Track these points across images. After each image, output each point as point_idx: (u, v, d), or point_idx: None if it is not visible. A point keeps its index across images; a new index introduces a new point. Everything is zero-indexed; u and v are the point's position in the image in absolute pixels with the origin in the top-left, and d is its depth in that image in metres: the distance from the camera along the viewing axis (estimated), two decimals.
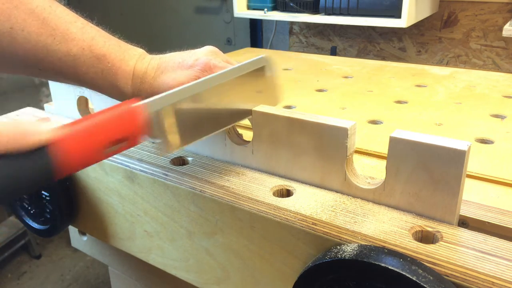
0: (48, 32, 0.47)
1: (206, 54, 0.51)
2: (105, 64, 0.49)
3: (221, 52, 0.54)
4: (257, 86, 0.50)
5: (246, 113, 0.50)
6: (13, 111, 0.78)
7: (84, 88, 0.66)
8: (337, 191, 0.48)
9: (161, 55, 0.53)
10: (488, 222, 0.42)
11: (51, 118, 0.73)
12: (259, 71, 0.49)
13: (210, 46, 0.53)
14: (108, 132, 0.35)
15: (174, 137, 0.42)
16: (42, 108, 0.78)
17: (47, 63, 0.48)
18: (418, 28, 1.62)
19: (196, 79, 0.49)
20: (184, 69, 0.50)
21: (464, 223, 0.43)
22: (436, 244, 0.39)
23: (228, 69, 0.48)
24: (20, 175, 0.31)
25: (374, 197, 0.45)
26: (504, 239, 0.39)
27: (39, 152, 0.31)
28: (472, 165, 0.54)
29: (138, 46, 0.54)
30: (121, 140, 0.37)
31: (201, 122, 0.46)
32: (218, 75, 0.46)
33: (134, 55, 0.51)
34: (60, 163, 0.32)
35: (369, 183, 0.46)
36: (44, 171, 0.32)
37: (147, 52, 0.54)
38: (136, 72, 0.50)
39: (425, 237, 0.41)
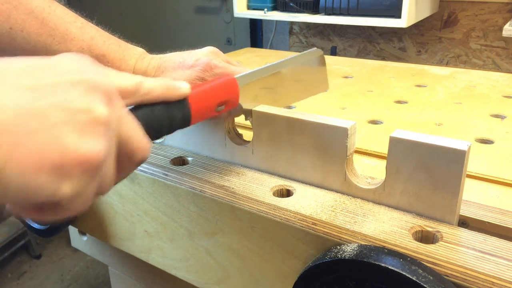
0: (48, 32, 0.47)
1: (207, 54, 0.51)
2: (104, 63, 0.49)
3: (221, 53, 0.54)
4: (312, 73, 0.59)
5: (304, 94, 0.60)
6: None
7: None
8: (337, 191, 0.48)
9: (161, 55, 0.53)
10: (488, 222, 0.42)
11: None
12: (314, 61, 0.59)
13: (211, 47, 0.53)
14: (218, 94, 0.46)
15: (252, 105, 0.52)
16: None
17: None
18: (418, 28, 1.62)
19: (196, 79, 0.49)
20: (185, 69, 0.50)
21: (464, 223, 0.43)
22: (436, 244, 0.39)
23: (289, 57, 0.55)
24: (172, 117, 0.40)
25: (374, 197, 0.45)
26: (504, 239, 0.39)
27: (183, 102, 0.41)
28: (472, 165, 0.54)
29: (138, 46, 0.54)
30: (226, 102, 0.47)
31: (271, 97, 0.55)
32: (282, 61, 0.54)
33: (134, 54, 0.52)
34: (193, 113, 0.42)
35: (369, 183, 0.46)
36: (186, 116, 0.42)
37: (147, 51, 0.54)
38: (136, 71, 0.51)
39: (425, 237, 0.41)
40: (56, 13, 0.48)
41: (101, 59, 0.49)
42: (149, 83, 0.37)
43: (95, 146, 0.27)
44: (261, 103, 0.52)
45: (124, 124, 0.31)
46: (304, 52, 0.57)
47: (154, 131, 0.39)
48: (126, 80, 0.35)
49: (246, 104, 0.50)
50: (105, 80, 0.30)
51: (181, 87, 0.41)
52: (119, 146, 0.31)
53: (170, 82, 0.40)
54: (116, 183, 0.33)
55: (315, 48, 0.58)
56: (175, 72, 0.50)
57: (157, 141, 0.62)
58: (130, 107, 0.37)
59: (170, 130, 0.41)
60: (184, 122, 0.42)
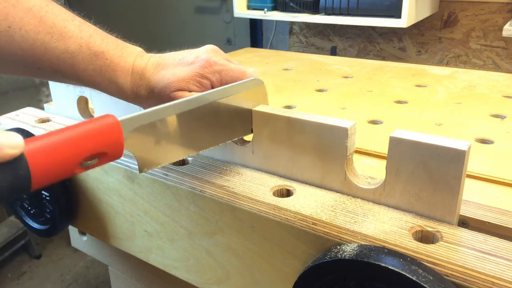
0: (46, 30, 0.48)
1: (207, 52, 0.52)
2: (103, 60, 0.49)
3: (221, 51, 0.54)
4: (247, 109, 0.49)
5: (238, 134, 0.49)
6: (13, 111, 0.78)
7: (84, 88, 0.66)
8: (337, 191, 0.48)
9: (160, 54, 0.53)
10: (488, 222, 0.42)
11: (51, 117, 0.73)
12: (251, 94, 0.49)
13: (211, 45, 0.53)
14: (83, 146, 0.34)
15: (150, 156, 0.41)
16: (42, 108, 0.78)
17: (45, 61, 0.48)
18: (418, 28, 1.62)
19: (196, 76, 0.49)
20: (184, 66, 0.50)
21: (464, 223, 0.43)
22: (436, 244, 0.39)
23: (219, 89, 0.48)
24: None
25: (374, 197, 0.45)
26: (504, 239, 0.39)
27: (14, 164, 0.31)
28: (472, 165, 0.54)
29: (136, 45, 0.54)
30: (100, 154, 0.36)
31: (186, 140, 0.45)
32: (205, 95, 0.45)
33: (132, 52, 0.52)
34: (35, 174, 0.32)
35: (369, 183, 0.46)
36: (20, 181, 0.31)
37: (147, 51, 0.54)
38: (135, 68, 0.51)
39: (425, 237, 0.41)
40: (54, 12, 0.49)
41: (100, 56, 0.49)
42: None
43: None
44: (164, 152, 0.42)
45: None
46: (239, 82, 0.48)
47: None
48: None
49: (140, 155, 0.41)
50: None
51: (6, 144, 0.31)
52: None
53: None
54: None
55: (254, 78, 0.49)
56: (174, 69, 0.50)
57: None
58: None
59: (4, 199, 0.31)
60: (19, 188, 0.31)
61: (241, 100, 0.48)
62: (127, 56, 0.51)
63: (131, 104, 0.55)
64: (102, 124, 0.35)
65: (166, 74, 0.50)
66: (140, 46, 0.55)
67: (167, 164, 0.42)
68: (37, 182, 0.32)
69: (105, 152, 0.36)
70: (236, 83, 0.48)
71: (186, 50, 0.53)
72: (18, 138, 0.31)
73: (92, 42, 0.49)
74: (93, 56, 0.49)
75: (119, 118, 0.37)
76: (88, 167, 0.36)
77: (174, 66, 0.51)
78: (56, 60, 0.48)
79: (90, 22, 0.52)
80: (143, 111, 0.40)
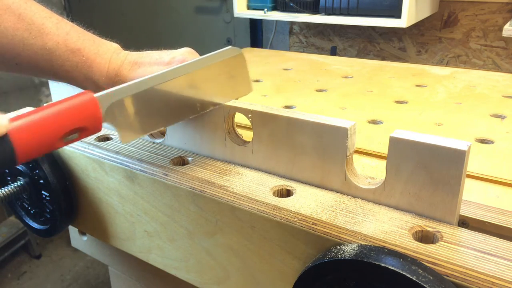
0: (24, 27, 0.49)
1: (183, 54, 0.53)
2: (79, 57, 0.51)
3: (197, 53, 0.55)
4: (224, 77, 0.50)
5: (214, 103, 0.50)
6: (13, 111, 0.78)
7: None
8: (337, 191, 0.48)
9: (137, 52, 0.55)
10: (488, 222, 0.42)
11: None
12: (227, 62, 0.49)
13: (187, 48, 0.55)
14: (64, 122, 0.37)
15: (129, 128, 0.43)
16: None
17: (23, 57, 0.50)
18: (418, 28, 1.62)
19: None
20: (160, 65, 0.52)
21: (464, 223, 0.43)
22: (436, 244, 0.39)
23: (191, 61, 0.48)
24: None
25: (374, 197, 0.45)
26: (504, 239, 0.39)
27: (1, 140, 0.34)
28: (472, 165, 0.54)
29: (113, 41, 0.55)
30: (80, 129, 0.38)
31: (163, 112, 0.46)
32: (182, 66, 0.46)
33: (109, 49, 0.53)
34: (19, 150, 0.35)
35: (369, 183, 0.46)
36: (6, 157, 0.34)
37: (147, 51, 0.54)
38: (112, 65, 0.52)
39: (425, 237, 0.41)
40: (32, 9, 0.50)
41: (76, 53, 0.51)
42: None
43: None
44: (145, 123, 0.44)
45: None
46: (216, 52, 0.48)
47: None
48: None
49: (121, 128, 0.43)
50: None
51: None
52: None
53: None
54: None
55: (231, 46, 0.50)
56: (151, 67, 0.52)
57: (157, 140, 0.62)
58: None
59: None
60: (5, 162, 0.35)
61: (217, 69, 0.48)
62: (104, 53, 0.52)
63: None
64: (80, 101, 0.38)
65: (143, 72, 0.51)
66: (140, 46, 0.55)
67: (147, 135, 0.44)
68: (22, 157, 0.35)
69: (84, 126, 0.38)
70: (213, 52, 0.48)
71: (163, 50, 0.54)
72: (3, 119, 0.34)
73: (69, 39, 0.51)
74: (70, 53, 0.51)
75: (96, 94, 0.40)
76: (69, 141, 0.38)
77: (151, 65, 0.52)
78: (34, 56, 0.50)
79: (87, 25, 0.53)
80: (119, 86, 0.42)
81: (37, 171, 0.64)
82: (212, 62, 0.48)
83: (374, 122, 0.70)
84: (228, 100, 0.51)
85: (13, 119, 0.35)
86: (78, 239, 0.86)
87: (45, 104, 0.37)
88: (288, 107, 0.77)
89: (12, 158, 0.35)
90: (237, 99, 0.52)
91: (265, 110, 0.50)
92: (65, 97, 0.38)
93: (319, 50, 1.89)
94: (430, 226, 0.41)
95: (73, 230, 0.86)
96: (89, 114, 0.39)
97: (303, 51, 1.91)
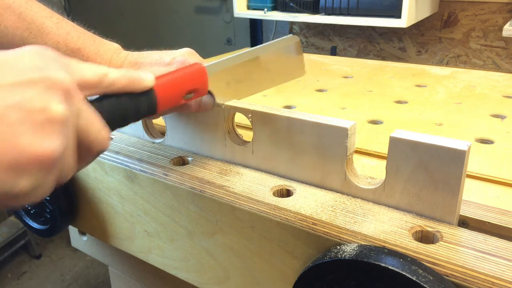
0: (25, 26, 0.49)
1: (183, 54, 0.53)
2: (79, 57, 0.51)
3: (197, 54, 0.56)
4: (289, 59, 0.59)
5: (280, 80, 0.58)
6: None
7: None
8: (337, 191, 0.48)
9: (138, 52, 0.55)
10: (488, 222, 0.42)
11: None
12: (290, 47, 0.58)
13: (188, 48, 0.55)
14: (186, 83, 0.46)
15: (225, 93, 0.53)
16: None
17: None
18: (418, 28, 1.62)
19: None
20: (161, 66, 0.52)
21: (464, 223, 0.43)
22: (436, 244, 0.39)
23: (265, 44, 0.55)
24: (138, 107, 0.41)
25: (374, 197, 0.45)
26: (504, 239, 0.39)
27: (148, 92, 0.42)
28: (472, 165, 0.54)
29: (114, 41, 0.55)
30: (194, 91, 0.48)
31: (248, 82, 0.55)
32: (258, 48, 0.54)
33: (109, 49, 0.53)
34: (160, 102, 0.43)
35: (369, 183, 0.46)
36: (151, 105, 0.43)
37: (147, 51, 0.55)
38: (112, 65, 0.52)
39: (425, 237, 0.41)
40: (32, 8, 0.50)
41: (77, 53, 0.51)
42: (113, 74, 0.38)
43: (50, 144, 0.29)
44: (233, 90, 0.53)
45: (82, 117, 0.33)
46: (280, 39, 0.57)
47: (120, 120, 0.41)
48: (89, 73, 0.36)
49: (217, 92, 0.51)
50: (64, 77, 0.31)
51: (146, 79, 0.41)
52: (78, 139, 0.33)
53: (135, 74, 0.41)
54: (77, 171, 0.36)
55: (291, 34, 0.58)
56: (151, 68, 0.52)
57: (157, 141, 0.62)
58: (95, 97, 0.39)
59: (136, 119, 0.43)
60: (150, 111, 0.43)
61: (282, 52, 0.57)
62: (104, 53, 0.52)
63: None
64: (195, 69, 0.47)
65: None
66: (140, 46, 0.55)
67: (240, 99, 0.54)
68: (160, 108, 0.44)
69: (197, 88, 0.48)
70: (277, 40, 0.57)
71: (163, 50, 0.54)
72: (151, 75, 0.42)
73: (69, 39, 0.51)
74: (70, 53, 0.51)
75: (205, 64, 0.49)
76: (188, 99, 0.47)
77: (151, 65, 0.52)
78: None
79: (87, 25, 0.53)
80: (219, 60, 0.51)
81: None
82: (279, 46, 0.56)
83: (374, 122, 0.70)
84: (288, 79, 0.59)
85: (156, 78, 0.43)
86: (78, 239, 0.86)
87: (167, 72, 0.46)
88: (288, 107, 0.77)
89: (154, 107, 0.43)
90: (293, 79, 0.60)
91: (265, 110, 0.50)
92: None
93: (319, 50, 1.89)
94: (430, 226, 0.41)
95: (73, 230, 0.86)
96: (201, 79, 0.48)
97: (303, 51, 1.90)
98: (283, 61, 0.58)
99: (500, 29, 1.40)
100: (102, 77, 0.37)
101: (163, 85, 0.44)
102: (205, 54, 0.59)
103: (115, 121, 0.40)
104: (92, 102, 0.38)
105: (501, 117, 0.71)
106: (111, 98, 0.39)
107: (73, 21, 0.53)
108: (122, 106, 0.40)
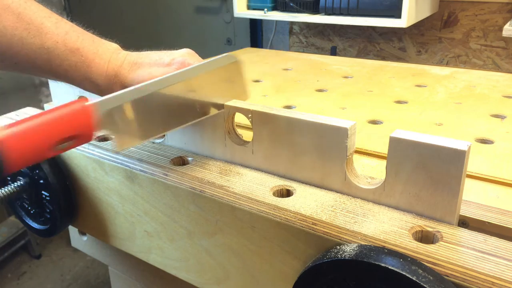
0: (23, 26, 0.49)
1: (183, 55, 0.53)
2: (78, 57, 0.51)
3: (196, 54, 0.55)
4: (222, 83, 0.50)
5: (211, 109, 0.50)
6: (13, 111, 0.78)
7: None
8: (337, 191, 0.48)
9: (137, 52, 0.55)
10: (488, 222, 0.42)
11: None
12: (225, 68, 0.50)
13: (187, 49, 0.55)
14: (55, 131, 0.36)
15: (127, 135, 0.43)
16: (42, 108, 0.78)
17: (22, 56, 0.50)
18: (418, 28, 1.62)
19: None
20: (160, 67, 0.52)
21: (464, 223, 0.43)
22: (436, 244, 0.39)
23: (190, 67, 0.49)
24: None
25: (374, 197, 0.45)
26: (504, 239, 0.39)
27: None
28: (472, 165, 0.54)
29: (113, 41, 0.55)
30: (72, 138, 0.38)
31: (161, 118, 0.46)
32: (180, 73, 0.47)
33: (108, 49, 0.53)
34: (7, 160, 0.33)
35: (369, 183, 0.46)
36: None
37: (146, 51, 0.55)
38: (111, 65, 0.52)
39: (425, 237, 0.41)
40: (31, 8, 0.50)
41: (75, 52, 0.51)
42: None
43: None
44: (140, 130, 0.44)
45: None
46: (211, 59, 0.49)
47: None
48: None
49: (118, 134, 0.43)
50: None
51: None
52: None
53: None
54: None
55: (227, 54, 0.51)
56: (150, 68, 0.52)
57: (157, 141, 0.62)
58: None
59: None
60: None
61: (214, 76, 0.48)
62: (103, 53, 0.52)
63: None
64: (72, 109, 0.37)
65: (142, 73, 0.51)
66: (140, 46, 0.55)
67: (146, 141, 0.44)
68: (12, 168, 0.34)
69: (76, 135, 0.38)
70: (208, 60, 0.48)
71: (163, 50, 0.54)
72: None
73: (68, 39, 0.51)
74: (68, 53, 0.51)
75: (89, 102, 0.39)
76: (60, 150, 0.37)
77: (150, 65, 0.52)
78: (33, 55, 0.50)
79: (86, 25, 0.53)
80: (117, 92, 0.42)
81: (37, 171, 0.63)
82: (209, 68, 0.48)
83: (374, 122, 0.70)
84: (217, 109, 0.52)
85: (2, 128, 0.34)
86: (78, 239, 0.86)
87: (35, 114, 0.37)
88: (288, 107, 0.77)
89: (1, 169, 0.34)
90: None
91: (265, 110, 0.50)
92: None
93: (319, 50, 1.89)
94: (430, 226, 0.41)
95: (73, 230, 0.86)
96: (82, 122, 0.38)
97: (303, 51, 1.91)
98: (216, 85, 0.49)
99: (500, 29, 1.40)
100: None
101: (15, 139, 0.34)
102: (205, 54, 0.59)
103: None
104: None
105: (501, 117, 0.71)
106: None
107: (72, 21, 0.53)
108: None
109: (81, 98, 0.40)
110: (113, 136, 0.43)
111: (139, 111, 0.43)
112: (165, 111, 0.46)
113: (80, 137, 0.39)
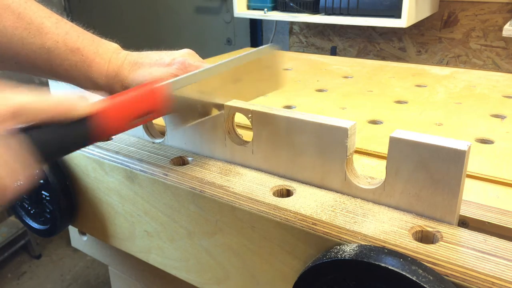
0: (24, 26, 0.49)
1: (183, 55, 0.53)
2: (79, 56, 0.51)
3: (197, 54, 0.56)
4: (264, 72, 0.55)
5: (256, 93, 0.56)
6: None
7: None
8: (337, 191, 0.48)
9: (138, 52, 0.55)
10: (488, 222, 0.42)
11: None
12: (266, 58, 0.54)
13: (188, 49, 0.55)
14: (134, 107, 0.43)
15: (190, 113, 0.50)
16: None
17: (22, 56, 0.50)
18: (418, 28, 1.62)
19: (172, 77, 0.51)
20: (161, 66, 0.52)
21: (464, 223, 0.43)
22: (436, 244, 0.39)
23: (237, 56, 0.52)
24: (65, 139, 0.39)
25: (374, 197, 0.45)
26: (504, 239, 0.39)
27: (82, 122, 0.39)
28: (472, 165, 0.54)
29: (113, 41, 0.55)
30: (148, 113, 0.45)
31: (217, 95, 0.52)
32: (229, 61, 0.51)
33: (109, 49, 0.53)
34: (99, 130, 0.40)
35: (369, 183, 0.46)
36: (82, 137, 0.40)
37: (146, 51, 0.55)
38: (111, 65, 0.52)
39: (425, 237, 0.41)
40: (31, 8, 0.50)
41: (76, 52, 0.51)
42: (35, 105, 0.36)
43: None
44: (201, 107, 0.50)
45: None
46: (256, 49, 0.54)
47: (56, 150, 0.38)
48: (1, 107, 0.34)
49: (182, 110, 0.48)
50: None
51: (78, 108, 0.39)
52: None
53: (67, 102, 0.38)
54: None
55: (270, 44, 0.56)
56: (151, 68, 0.52)
57: (157, 141, 0.62)
58: (19, 126, 0.36)
59: (76, 147, 0.40)
60: (85, 142, 0.40)
61: (258, 64, 0.54)
62: (103, 53, 0.52)
63: None
64: (148, 89, 0.44)
65: (143, 73, 0.51)
66: (140, 46, 0.55)
67: (202, 119, 0.51)
68: (106, 134, 0.42)
69: (152, 110, 0.45)
70: (252, 50, 0.53)
71: (163, 50, 0.54)
72: (86, 103, 0.40)
73: (68, 39, 0.51)
74: (69, 52, 0.51)
75: (162, 83, 0.46)
76: (136, 124, 0.44)
77: (151, 65, 0.52)
78: (33, 54, 0.50)
79: (86, 25, 0.53)
80: (181, 76, 0.48)
81: (37, 171, 0.63)
82: (253, 58, 0.53)
83: (374, 122, 0.70)
84: (263, 93, 0.56)
85: (93, 104, 0.41)
86: (78, 239, 0.86)
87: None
88: (288, 107, 0.77)
89: (88, 139, 0.40)
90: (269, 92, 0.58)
91: (265, 110, 0.50)
92: None
93: (319, 50, 1.89)
94: (430, 226, 0.41)
95: (73, 230, 0.86)
96: (156, 99, 0.45)
97: (303, 51, 1.91)
98: (256, 74, 0.54)
99: (500, 29, 1.40)
100: (17, 110, 0.34)
101: (104, 112, 0.41)
102: (205, 54, 0.59)
103: (49, 151, 0.37)
104: (21, 131, 0.36)
105: (501, 117, 0.71)
106: (42, 129, 0.37)
107: (72, 21, 0.53)
108: (54, 136, 0.37)
109: (158, 80, 0.47)
110: (178, 113, 0.49)
111: (198, 93, 0.49)
112: (216, 93, 0.52)
113: (153, 112, 0.45)
